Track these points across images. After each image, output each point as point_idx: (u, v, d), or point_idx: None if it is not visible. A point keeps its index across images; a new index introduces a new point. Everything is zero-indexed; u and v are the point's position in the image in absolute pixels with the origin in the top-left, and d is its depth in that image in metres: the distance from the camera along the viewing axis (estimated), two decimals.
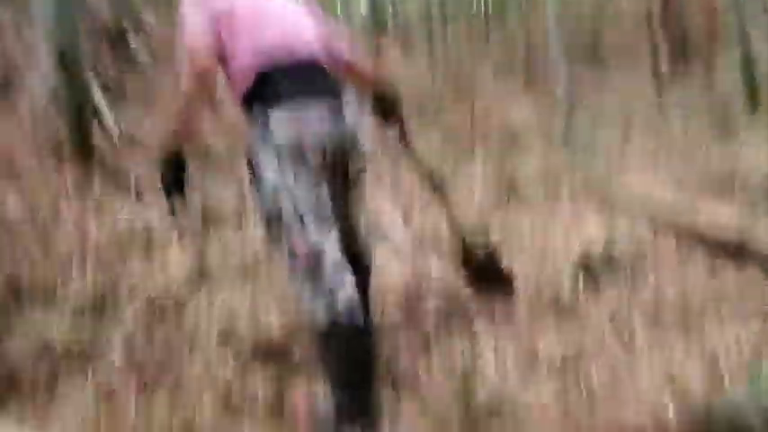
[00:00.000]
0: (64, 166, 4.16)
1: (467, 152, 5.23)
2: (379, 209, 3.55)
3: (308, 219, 1.62)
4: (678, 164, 4.75)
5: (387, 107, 2.05)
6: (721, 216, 3.31)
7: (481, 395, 2.00)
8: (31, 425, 1.96)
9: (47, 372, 2.22)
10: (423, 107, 5.88)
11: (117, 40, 5.75)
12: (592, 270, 2.96)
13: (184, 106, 1.74)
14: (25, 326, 2.50)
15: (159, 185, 1.86)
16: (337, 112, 1.69)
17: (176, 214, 1.88)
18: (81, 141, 4.18)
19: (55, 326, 2.48)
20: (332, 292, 1.59)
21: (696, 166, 4.59)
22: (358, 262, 1.77)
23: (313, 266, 1.60)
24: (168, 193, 1.84)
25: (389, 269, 2.79)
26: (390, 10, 9.70)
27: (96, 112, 4.85)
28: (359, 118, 1.78)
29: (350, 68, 1.95)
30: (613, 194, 3.97)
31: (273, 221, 1.67)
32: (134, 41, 5.87)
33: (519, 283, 2.53)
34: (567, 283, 2.84)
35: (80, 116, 4.17)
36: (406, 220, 3.69)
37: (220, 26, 1.74)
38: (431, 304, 2.67)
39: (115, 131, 4.66)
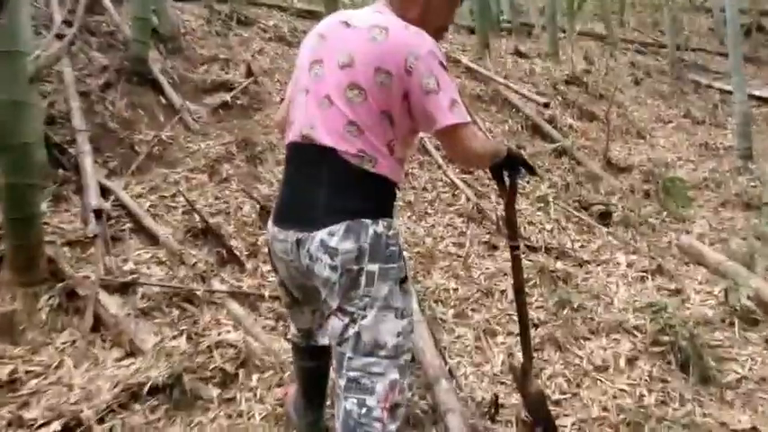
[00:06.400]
0: None
1: None
2: None
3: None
4: None
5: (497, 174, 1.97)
6: None
7: None
8: None
9: None
10: None
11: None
12: None
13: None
14: None
15: None
16: (302, 245, 1.61)
17: None
18: (22, 250, 2.64)
19: None
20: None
21: None
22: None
23: None
24: None
25: None
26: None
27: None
28: (342, 248, 1.55)
29: (442, 138, 1.65)
30: None
31: None
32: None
33: None
34: None
35: (23, 213, 2.63)
36: None
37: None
38: None
39: (91, 218, 3.11)
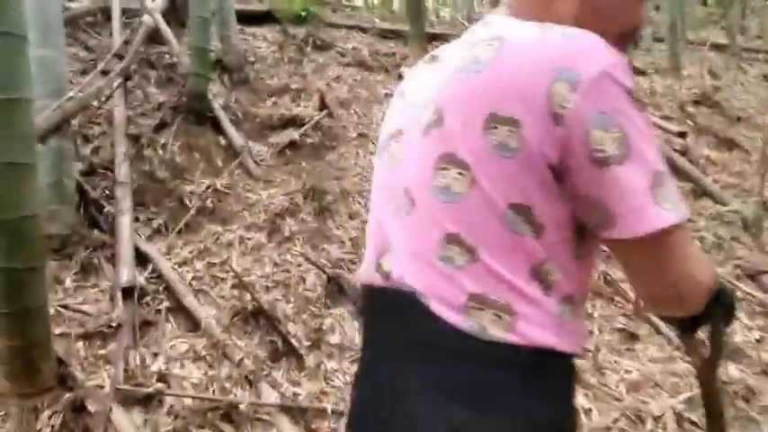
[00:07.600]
0: None
1: None
2: None
3: None
4: None
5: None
6: None
7: None
8: None
9: None
10: None
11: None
12: None
13: None
14: None
15: None
16: None
17: None
18: (20, 352, 2.06)
19: None
20: None
21: None
22: None
23: None
24: None
25: None
26: None
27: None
28: None
29: (632, 252, 0.76)
30: None
31: None
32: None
33: None
34: None
35: (22, 306, 2.05)
36: None
37: None
38: None
39: (118, 299, 2.52)
